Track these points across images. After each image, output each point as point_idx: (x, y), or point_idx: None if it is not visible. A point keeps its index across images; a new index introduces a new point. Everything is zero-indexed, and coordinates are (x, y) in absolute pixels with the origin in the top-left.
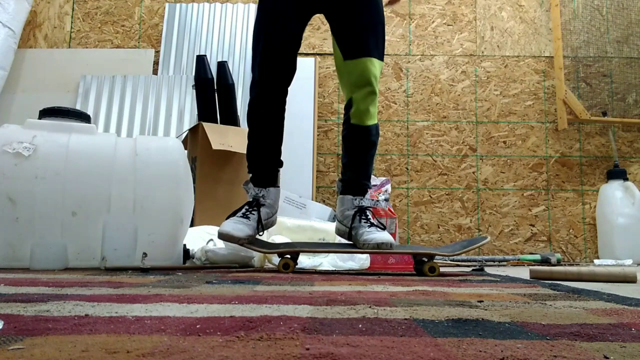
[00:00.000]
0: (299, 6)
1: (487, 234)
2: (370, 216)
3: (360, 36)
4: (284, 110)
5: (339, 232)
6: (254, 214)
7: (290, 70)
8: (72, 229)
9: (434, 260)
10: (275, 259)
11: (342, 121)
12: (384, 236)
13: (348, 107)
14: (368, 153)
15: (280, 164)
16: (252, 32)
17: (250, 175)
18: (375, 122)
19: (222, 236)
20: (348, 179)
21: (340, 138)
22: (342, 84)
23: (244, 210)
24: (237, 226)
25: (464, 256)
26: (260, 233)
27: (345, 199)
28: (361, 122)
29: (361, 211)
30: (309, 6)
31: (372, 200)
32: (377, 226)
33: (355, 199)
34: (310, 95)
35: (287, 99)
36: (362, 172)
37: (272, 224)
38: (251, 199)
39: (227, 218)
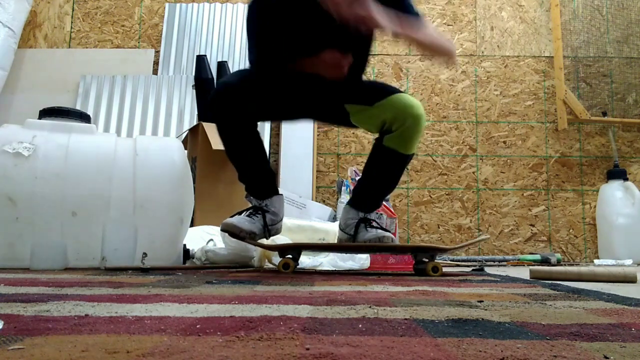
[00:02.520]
0: (285, 111)
1: (487, 234)
2: (374, 223)
3: (378, 85)
4: (253, 131)
5: (344, 228)
6: (258, 217)
7: (243, 120)
8: (72, 229)
9: (436, 260)
10: (276, 259)
11: None
12: (385, 232)
13: (386, 132)
14: (396, 178)
15: (272, 174)
16: None
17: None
18: (415, 149)
19: (226, 226)
20: (361, 194)
21: (341, 138)
22: (375, 125)
23: (248, 212)
24: (241, 221)
25: (464, 256)
26: (267, 237)
27: (351, 210)
28: (402, 149)
29: (365, 221)
30: (296, 114)
31: (378, 214)
32: (379, 228)
33: (360, 213)
34: None
35: None
36: (380, 194)
37: (277, 231)
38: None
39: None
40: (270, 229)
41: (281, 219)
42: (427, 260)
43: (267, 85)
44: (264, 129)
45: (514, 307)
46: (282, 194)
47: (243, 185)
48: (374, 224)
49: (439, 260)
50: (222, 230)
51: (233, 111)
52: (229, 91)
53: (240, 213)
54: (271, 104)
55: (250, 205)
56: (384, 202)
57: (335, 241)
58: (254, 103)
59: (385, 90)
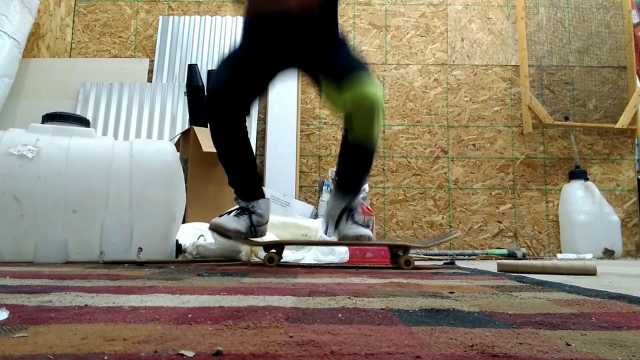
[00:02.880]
0: (270, 63)
1: (457, 230)
2: (355, 216)
3: (349, 65)
4: (245, 135)
5: (328, 217)
6: (244, 216)
7: (239, 113)
8: (72, 226)
9: (409, 254)
10: (261, 253)
11: (322, 125)
12: (363, 230)
13: (348, 127)
14: (367, 167)
15: (260, 178)
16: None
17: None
18: (377, 140)
19: (214, 226)
20: (341, 179)
21: (322, 141)
22: (337, 109)
23: (235, 212)
24: (228, 221)
25: (436, 250)
26: (252, 236)
27: (337, 195)
28: (364, 143)
29: (349, 211)
30: (280, 64)
31: (362, 194)
32: (359, 224)
33: (347, 197)
34: (293, 101)
35: (273, 104)
36: (357, 179)
37: (263, 233)
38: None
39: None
40: (256, 230)
41: (267, 221)
42: (401, 254)
43: (250, 46)
44: (251, 132)
45: (482, 298)
46: (268, 198)
47: (234, 201)
48: (356, 216)
49: (412, 254)
50: (210, 229)
51: (228, 110)
52: (220, 94)
53: (228, 213)
54: (259, 72)
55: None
56: (362, 201)
57: (317, 236)
58: (245, 87)
59: (350, 71)
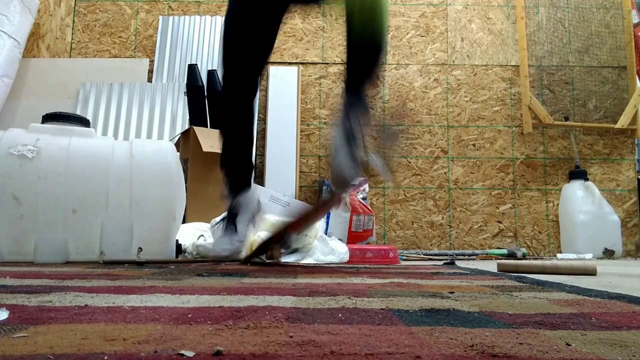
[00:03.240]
0: (272, 10)
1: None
2: (355, 143)
3: None
4: (251, 118)
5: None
6: (230, 226)
7: (252, 86)
8: (72, 226)
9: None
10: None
11: (322, 125)
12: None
13: (350, 26)
14: (373, 64)
15: (251, 166)
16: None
17: (225, 186)
18: (384, 38)
19: (208, 255)
20: (350, 79)
21: (322, 141)
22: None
23: (221, 227)
24: (219, 244)
25: (436, 250)
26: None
27: (346, 98)
28: (368, 40)
29: (351, 139)
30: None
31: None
32: (355, 168)
33: (353, 98)
34: (293, 101)
35: (273, 104)
36: (365, 74)
37: (256, 217)
38: (227, 211)
39: (211, 221)
40: (245, 228)
41: (254, 208)
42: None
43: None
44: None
45: (482, 298)
46: (253, 186)
47: (222, 170)
48: (355, 142)
49: (412, 254)
50: (203, 256)
51: (247, 74)
52: (239, 63)
53: (218, 222)
54: (270, 18)
55: (225, 206)
56: (362, 201)
57: (317, 235)
58: (261, 46)
59: None
